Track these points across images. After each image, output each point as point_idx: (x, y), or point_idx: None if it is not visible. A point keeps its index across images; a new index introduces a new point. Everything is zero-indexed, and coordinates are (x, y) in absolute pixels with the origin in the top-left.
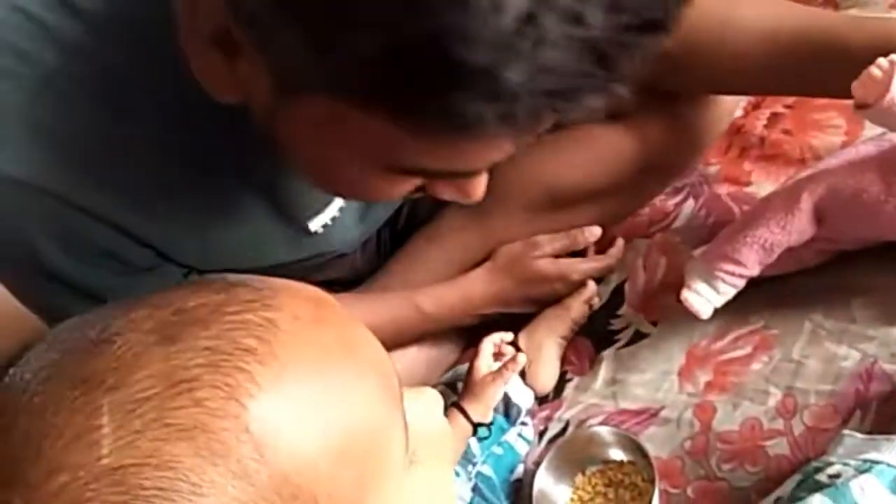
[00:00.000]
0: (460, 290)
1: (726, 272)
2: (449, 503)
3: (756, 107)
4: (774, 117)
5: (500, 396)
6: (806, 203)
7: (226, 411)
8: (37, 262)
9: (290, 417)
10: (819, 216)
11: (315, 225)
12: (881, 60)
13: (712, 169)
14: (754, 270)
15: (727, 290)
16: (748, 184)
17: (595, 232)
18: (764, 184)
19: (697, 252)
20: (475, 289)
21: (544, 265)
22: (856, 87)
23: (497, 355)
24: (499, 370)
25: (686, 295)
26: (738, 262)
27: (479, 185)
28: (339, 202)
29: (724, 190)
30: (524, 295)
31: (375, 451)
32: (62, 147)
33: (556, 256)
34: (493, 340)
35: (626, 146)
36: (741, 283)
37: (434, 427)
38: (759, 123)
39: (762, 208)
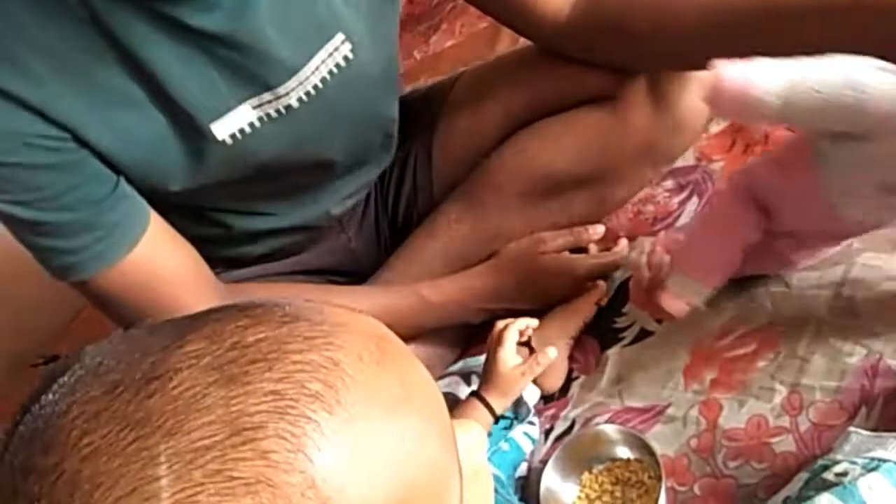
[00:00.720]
0: (464, 281)
1: (698, 277)
2: None
3: None
4: None
5: (523, 389)
6: (746, 197)
7: (292, 465)
8: None
9: (357, 471)
10: (762, 209)
11: (221, 132)
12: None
13: (716, 166)
14: (726, 273)
15: (703, 291)
16: None
17: (599, 230)
18: None
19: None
20: (478, 281)
21: (549, 260)
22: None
23: (522, 344)
24: (528, 364)
25: (663, 299)
26: (708, 269)
27: None
28: (246, 110)
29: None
30: (528, 290)
31: (436, 499)
32: None
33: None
34: (518, 327)
35: (613, 130)
36: (717, 282)
37: (480, 464)
38: None
39: (713, 212)
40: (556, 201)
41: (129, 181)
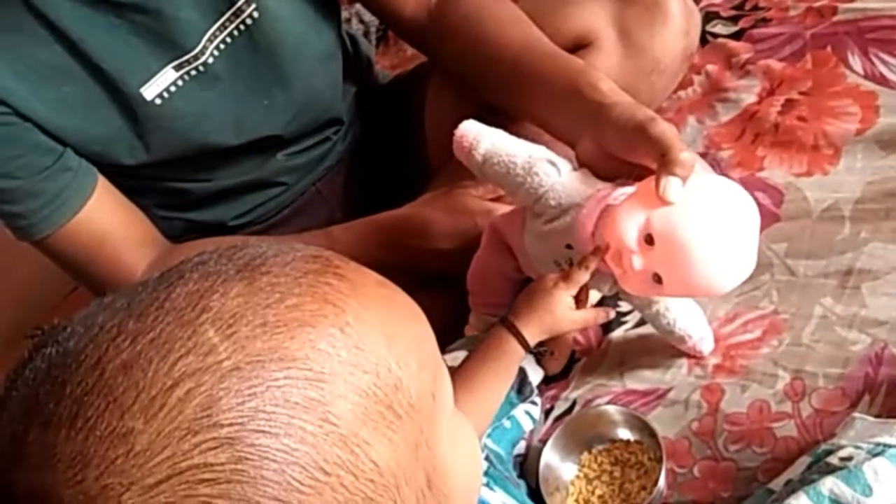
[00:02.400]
0: (376, 217)
1: (484, 312)
2: (478, 458)
3: (771, 93)
4: (789, 103)
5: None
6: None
7: (324, 311)
8: None
9: (377, 318)
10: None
11: (150, 94)
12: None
13: (725, 154)
14: (504, 303)
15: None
16: (761, 169)
17: None
18: (777, 170)
19: None
20: (388, 215)
21: (470, 199)
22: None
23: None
24: (595, 313)
25: None
26: (486, 303)
27: None
28: (170, 72)
29: (736, 175)
30: (444, 227)
31: (437, 375)
32: None
33: None
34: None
35: None
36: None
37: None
38: (773, 109)
39: (479, 254)
40: None
41: (80, 154)
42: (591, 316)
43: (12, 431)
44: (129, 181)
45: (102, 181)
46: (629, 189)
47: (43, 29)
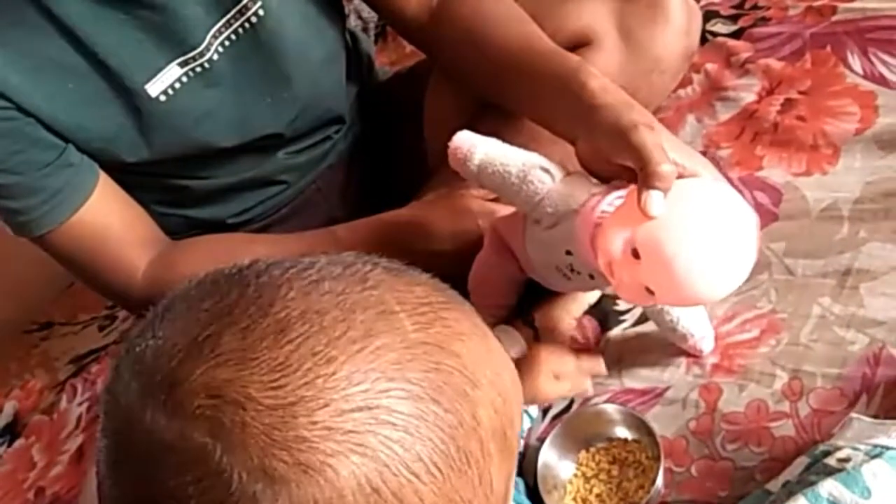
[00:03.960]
0: (379, 217)
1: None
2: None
3: (770, 92)
4: (789, 103)
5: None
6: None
7: (475, 330)
8: None
9: (505, 357)
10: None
11: (154, 90)
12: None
13: (724, 153)
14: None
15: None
16: (760, 168)
17: None
18: (775, 169)
19: None
20: (391, 216)
21: (472, 200)
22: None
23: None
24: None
25: None
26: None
27: None
28: (175, 68)
29: (735, 174)
30: (445, 226)
31: (519, 413)
32: None
33: None
34: (556, 364)
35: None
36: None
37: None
38: (772, 109)
39: (479, 258)
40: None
41: (82, 150)
42: (569, 389)
43: (196, 332)
44: (130, 178)
45: (104, 178)
46: (623, 192)
47: (48, 25)
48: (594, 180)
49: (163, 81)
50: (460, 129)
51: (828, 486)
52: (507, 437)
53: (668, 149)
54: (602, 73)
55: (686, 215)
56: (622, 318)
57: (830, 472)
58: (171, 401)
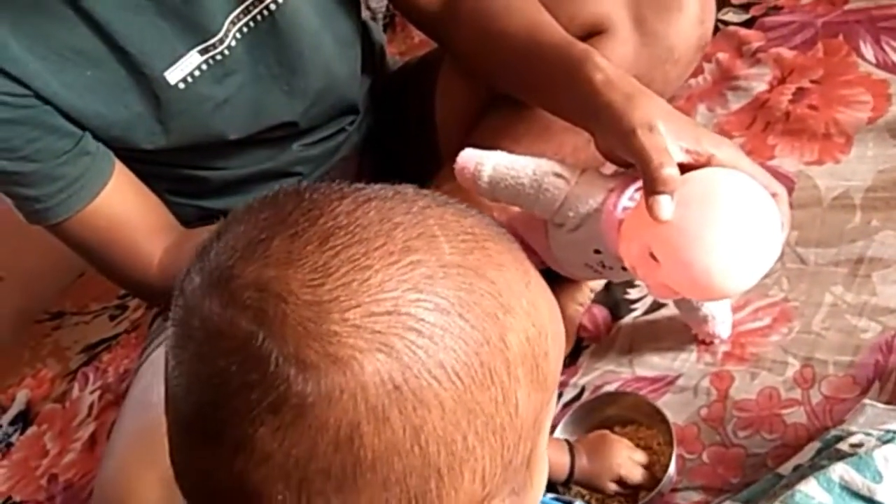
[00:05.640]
0: None
1: None
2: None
3: (782, 81)
4: (801, 92)
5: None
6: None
7: (515, 264)
8: None
9: (544, 290)
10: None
11: (174, 78)
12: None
13: (736, 142)
14: None
15: None
16: (772, 157)
17: None
18: (787, 158)
19: None
20: None
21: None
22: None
23: None
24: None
25: None
26: None
27: None
28: (195, 56)
29: None
30: None
31: (560, 362)
32: None
33: None
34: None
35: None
36: None
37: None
38: (784, 98)
39: None
40: (547, 145)
41: (98, 138)
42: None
43: (253, 235)
44: (144, 167)
45: (119, 167)
46: (640, 183)
47: (68, 10)
48: (609, 170)
49: (182, 69)
50: (472, 117)
51: (839, 470)
52: (539, 368)
53: (675, 139)
54: (616, 63)
55: (698, 217)
56: (633, 306)
57: (842, 456)
58: (225, 293)
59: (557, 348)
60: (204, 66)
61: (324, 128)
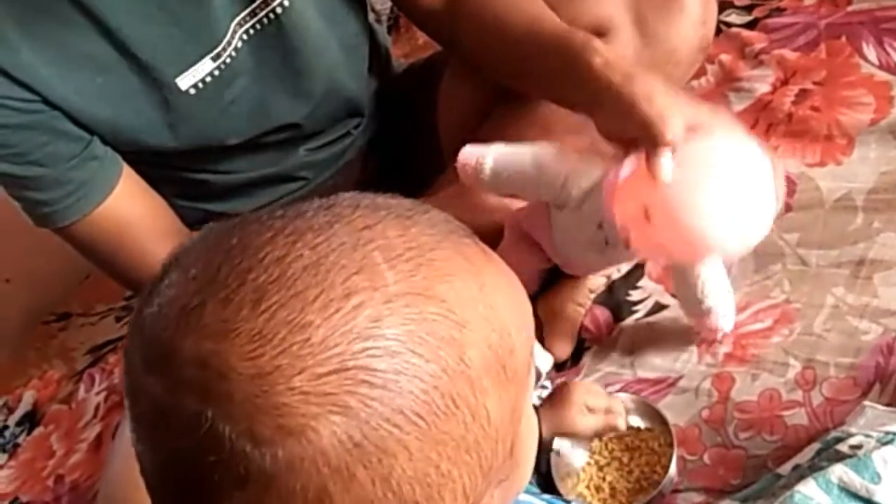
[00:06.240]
0: None
1: None
2: (536, 439)
3: (784, 83)
4: (803, 93)
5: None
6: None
7: (467, 267)
8: None
9: (504, 285)
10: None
11: (185, 83)
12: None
13: None
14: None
15: None
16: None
17: None
18: (790, 160)
19: None
20: None
21: (489, 196)
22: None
23: None
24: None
25: None
26: None
27: None
28: (206, 61)
29: None
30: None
31: (533, 352)
32: None
33: None
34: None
35: None
36: None
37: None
38: (786, 100)
39: (503, 245)
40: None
41: (106, 142)
42: (602, 424)
43: (185, 302)
44: (151, 169)
45: (127, 170)
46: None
47: (80, 16)
48: (610, 151)
49: (193, 75)
50: (475, 120)
51: (838, 472)
52: (506, 368)
53: (672, 113)
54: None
55: (696, 175)
56: (635, 308)
57: (841, 458)
58: (167, 373)
59: (524, 334)
60: (215, 72)
61: (329, 131)
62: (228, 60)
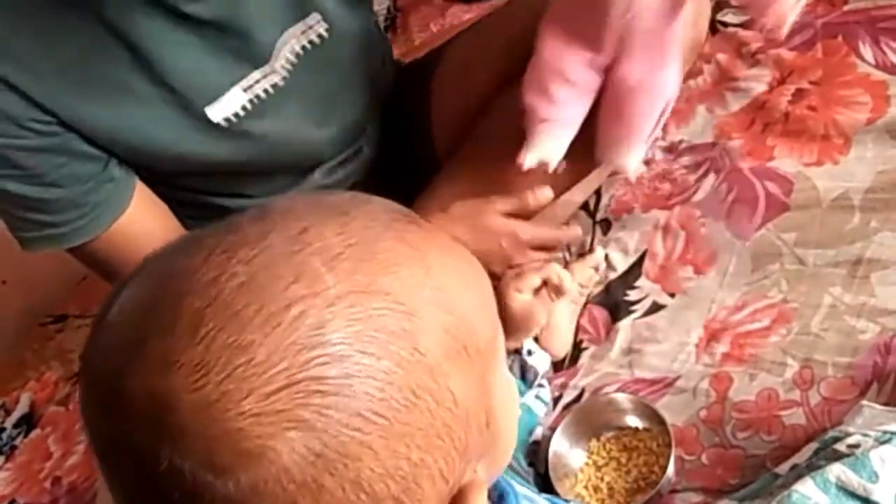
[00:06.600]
0: None
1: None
2: (517, 406)
3: (781, 82)
4: (800, 93)
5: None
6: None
7: (411, 253)
8: None
9: (454, 265)
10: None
11: (216, 115)
12: None
13: (735, 143)
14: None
15: None
16: (771, 159)
17: (546, 194)
18: (786, 159)
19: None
20: None
21: (496, 220)
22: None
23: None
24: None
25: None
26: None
27: None
28: (238, 92)
29: (746, 165)
30: (470, 248)
31: (497, 324)
32: None
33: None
34: (543, 275)
35: None
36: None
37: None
38: (783, 99)
39: None
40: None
41: (122, 163)
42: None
43: (127, 338)
44: (167, 191)
45: (140, 188)
46: None
47: (117, 45)
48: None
49: (225, 107)
50: (466, 119)
51: (836, 471)
52: (467, 348)
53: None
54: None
55: None
56: (633, 308)
57: (839, 457)
58: (117, 410)
59: (484, 309)
60: (249, 106)
61: (344, 152)
62: (263, 94)
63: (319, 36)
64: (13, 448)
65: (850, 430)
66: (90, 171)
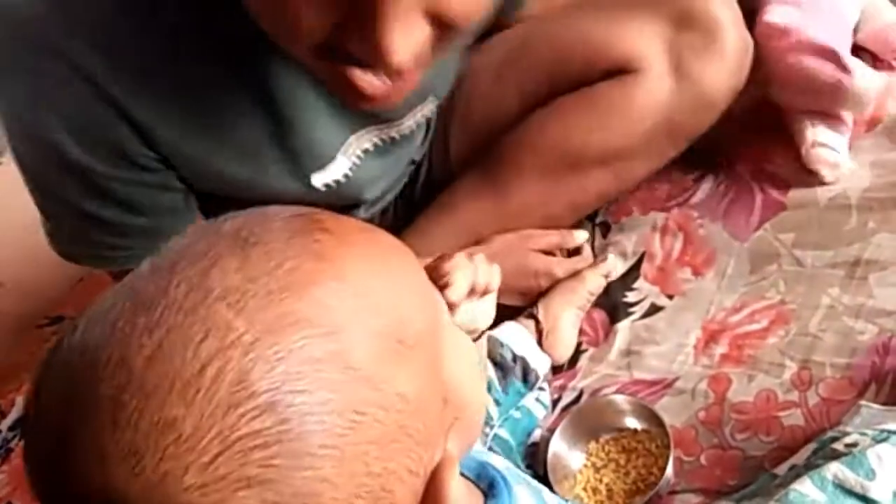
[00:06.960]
0: None
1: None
2: (476, 362)
3: None
4: None
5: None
6: None
7: (321, 267)
8: (56, 152)
9: (368, 261)
10: None
11: (318, 181)
12: None
13: (733, 144)
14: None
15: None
16: (768, 160)
17: (582, 235)
18: (783, 160)
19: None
20: None
21: (535, 258)
22: None
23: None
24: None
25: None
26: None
27: (392, 43)
28: (344, 161)
29: (743, 166)
30: (509, 284)
31: (430, 297)
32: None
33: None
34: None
35: (635, 104)
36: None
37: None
38: None
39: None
40: (575, 178)
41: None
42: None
43: (55, 437)
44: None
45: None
46: None
47: (250, 97)
48: None
49: (330, 173)
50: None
51: (833, 469)
52: (403, 342)
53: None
54: (645, 103)
55: None
56: (631, 309)
57: (837, 456)
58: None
59: (414, 294)
60: (349, 172)
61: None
62: (358, 161)
63: (431, 112)
64: (9, 451)
65: (849, 429)
66: (176, 201)
